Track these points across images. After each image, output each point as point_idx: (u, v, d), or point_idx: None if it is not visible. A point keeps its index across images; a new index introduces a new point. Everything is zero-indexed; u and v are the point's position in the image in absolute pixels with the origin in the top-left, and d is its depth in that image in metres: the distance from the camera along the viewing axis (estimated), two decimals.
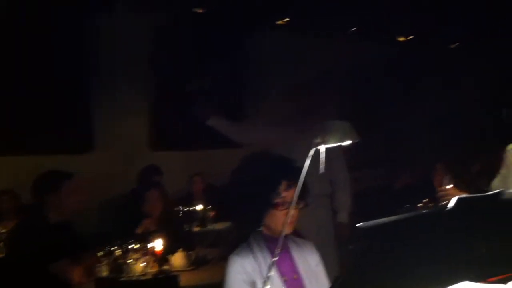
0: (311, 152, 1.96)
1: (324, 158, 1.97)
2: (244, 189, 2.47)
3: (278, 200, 2.38)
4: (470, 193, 3.72)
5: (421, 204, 4.42)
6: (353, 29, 6.60)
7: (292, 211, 2.28)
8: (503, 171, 3.34)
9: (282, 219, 2.35)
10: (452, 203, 1.85)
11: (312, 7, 5.88)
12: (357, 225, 1.65)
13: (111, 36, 6.05)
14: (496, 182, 3.36)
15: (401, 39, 7.06)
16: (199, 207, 5.72)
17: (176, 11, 5.99)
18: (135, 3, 5.79)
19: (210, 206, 5.72)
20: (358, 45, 7.15)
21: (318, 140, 1.96)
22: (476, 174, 5.25)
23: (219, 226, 5.52)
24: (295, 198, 2.18)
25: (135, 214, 4.77)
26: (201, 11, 5.87)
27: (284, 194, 2.37)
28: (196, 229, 5.51)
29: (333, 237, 4.49)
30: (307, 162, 1.95)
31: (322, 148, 1.97)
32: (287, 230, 2.35)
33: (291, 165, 2.41)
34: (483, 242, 1.94)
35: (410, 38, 7.12)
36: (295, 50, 6.88)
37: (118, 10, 5.86)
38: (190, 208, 5.61)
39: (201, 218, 5.65)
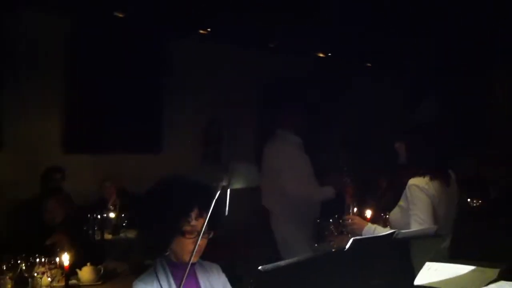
0: (217, 193, 2.01)
1: (228, 201, 2.02)
2: (153, 211, 2.41)
3: (187, 228, 2.36)
4: (374, 219, 3.92)
5: (331, 220, 4.53)
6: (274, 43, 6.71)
7: (200, 241, 2.29)
8: (402, 203, 3.38)
9: (189, 247, 2.31)
10: (348, 244, 1.99)
11: (233, 20, 5.93)
12: (258, 268, 1.71)
13: (24, 35, 5.83)
14: (395, 212, 3.48)
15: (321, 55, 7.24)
16: (111, 214, 5.61)
17: (96, 13, 5.85)
18: (54, 2, 5.61)
19: (123, 214, 5.61)
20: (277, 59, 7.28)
21: (223, 183, 2.01)
22: (381, 198, 5.46)
23: (131, 234, 5.43)
24: (204, 228, 2.18)
25: (41, 222, 4.57)
26: (121, 15, 5.77)
27: (193, 222, 2.35)
28: (107, 237, 5.41)
29: None
30: (213, 202, 1.99)
31: (228, 191, 2.02)
32: (194, 259, 2.35)
33: (205, 193, 2.29)
34: (378, 279, 2.08)
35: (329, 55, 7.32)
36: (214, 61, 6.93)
37: (33, 9, 5.65)
38: (102, 215, 5.47)
39: (113, 225, 5.54)
